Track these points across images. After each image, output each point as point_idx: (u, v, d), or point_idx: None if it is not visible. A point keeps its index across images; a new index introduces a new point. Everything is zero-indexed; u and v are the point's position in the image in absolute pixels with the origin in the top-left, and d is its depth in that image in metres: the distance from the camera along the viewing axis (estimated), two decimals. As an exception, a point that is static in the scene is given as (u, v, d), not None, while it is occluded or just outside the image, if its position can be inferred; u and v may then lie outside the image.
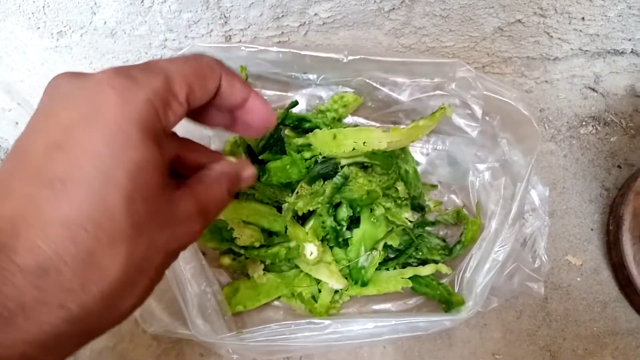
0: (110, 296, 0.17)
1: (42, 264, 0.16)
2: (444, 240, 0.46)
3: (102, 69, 0.19)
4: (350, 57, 0.40)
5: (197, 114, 0.24)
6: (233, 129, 0.25)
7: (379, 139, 0.41)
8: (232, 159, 0.24)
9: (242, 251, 0.43)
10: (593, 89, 0.49)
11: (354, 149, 0.41)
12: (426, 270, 0.43)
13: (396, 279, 0.43)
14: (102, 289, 0.17)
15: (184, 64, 0.21)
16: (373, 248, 0.43)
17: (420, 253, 0.44)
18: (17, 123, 0.54)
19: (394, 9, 0.40)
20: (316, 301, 0.44)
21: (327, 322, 0.39)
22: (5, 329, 0.16)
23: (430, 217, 0.47)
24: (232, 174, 0.24)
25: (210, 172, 0.23)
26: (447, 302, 0.42)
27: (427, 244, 0.45)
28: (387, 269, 0.44)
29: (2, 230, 0.16)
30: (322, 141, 0.42)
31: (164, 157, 0.19)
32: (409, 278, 0.43)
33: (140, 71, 0.19)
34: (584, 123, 0.49)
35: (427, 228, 0.46)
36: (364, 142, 0.41)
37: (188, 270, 0.38)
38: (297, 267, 0.44)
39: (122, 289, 0.18)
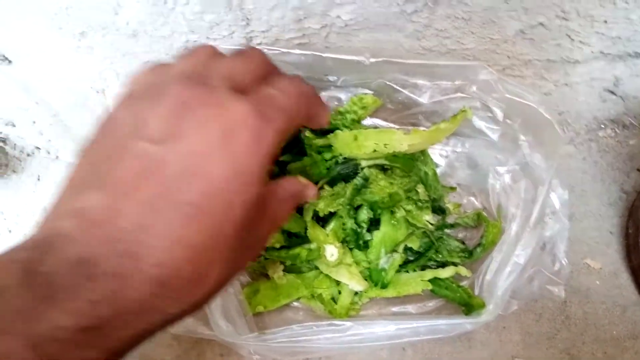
0: (202, 302, 0.20)
1: (163, 278, 0.18)
2: (463, 243, 0.46)
3: (236, 98, 0.21)
4: (373, 60, 0.40)
5: None
6: None
7: (400, 140, 0.41)
8: (302, 179, 0.28)
9: (262, 252, 0.43)
10: (612, 92, 0.49)
11: (374, 150, 0.41)
12: (446, 273, 0.43)
13: (416, 281, 0.43)
14: (197, 299, 0.20)
15: (300, 104, 0.24)
16: (393, 250, 0.43)
17: (440, 255, 0.44)
18: (34, 122, 0.54)
19: (416, 11, 0.40)
20: (336, 302, 0.44)
21: (348, 323, 0.39)
22: (121, 327, 0.18)
23: (449, 220, 0.47)
24: (300, 193, 0.27)
25: (284, 190, 0.25)
26: (467, 305, 0.42)
27: (446, 247, 0.45)
28: (407, 271, 0.44)
29: (129, 234, 0.18)
30: (343, 142, 0.42)
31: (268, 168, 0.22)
32: (429, 280, 0.43)
33: (269, 109, 0.22)
34: (602, 126, 0.49)
35: (447, 230, 0.46)
36: (385, 144, 0.41)
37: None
38: (317, 268, 0.44)
39: (210, 295, 0.21)
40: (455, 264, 0.44)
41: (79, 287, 0.17)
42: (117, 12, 0.41)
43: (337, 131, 0.43)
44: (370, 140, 0.41)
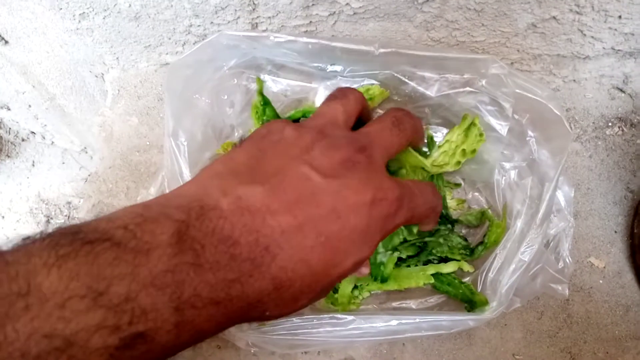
0: (281, 315, 0.23)
1: (282, 282, 0.21)
2: (465, 240, 0.45)
3: (389, 180, 0.26)
4: (382, 50, 0.39)
5: None
6: None
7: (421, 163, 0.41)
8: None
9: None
10: (621, 90, 0.48)
11: None
12: (448, 268, 0.42)
13: (418, 274, 0.42)
14: (284, 313, 0.23)
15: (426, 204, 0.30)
16: (394, 249, 0.42)
17: (441, 251, 0.44)
18: (29, 106, 0.53)
19: (427, 1, 0.39)
20: (336, 292, 0.43)
21: (349, 317, 0.39)
22: (235, 310, 0.20)
23: (453, 215, 0.46)
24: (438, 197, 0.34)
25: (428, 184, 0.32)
26: (470, 302, 0.41)
27: (448, 243, 0.44)
28: (408, 266, 0.43)
29: (275, 235, 0.21)
30: None
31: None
32: (431, 275, 0.42)
33: (407, 202, 0.27)
34: (610, 124, 0.49)
35: (449, 226, 0.45)
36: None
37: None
38: None
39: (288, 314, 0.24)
40: (457, 260, 0.43)
41: (222, 263, 0.19)
42: (119, -6, 0.40)
43: None
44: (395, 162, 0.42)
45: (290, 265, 0.21)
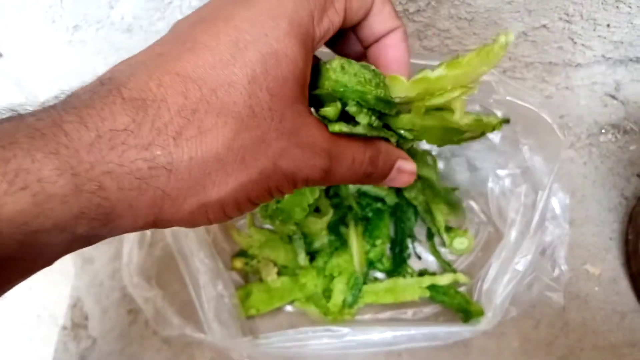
0: (202, 165, 0.17)
1: (143, 100, 0.16)
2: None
3: None
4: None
5: (334, 38, 0.22)
6: None
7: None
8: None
9: (255, 252, 0.43)
10: (613, 97, 0.48)
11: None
12: (444, 280, 0.42)
13: (413, 287, 0.42)
14: (194, 150, 0.17)
15: None
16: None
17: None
18: (25, 118, 0.53)
19: (419, 10, 0.39)
20: (328, 301, 0.43)
21: (344, 329, 0.38)
22: (88, 148, 0.16)
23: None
24: (390, 155, 0.22)
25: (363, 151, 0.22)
26: (466, 312, 0.41)
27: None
28: (404, 277, 0.43)
29: (119, 70, 0.17)
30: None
31: (306, 68, 0.19)
32: (427, 287, 0.42)
33: None
34: (603, 131, 0.49)
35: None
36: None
37: (205, 273, 0.38)
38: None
39: (216, 167, 0.17)
40: (454, 271, 0.43)
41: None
42: (112, 6, 0.40)
43: None
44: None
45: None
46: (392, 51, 0.22)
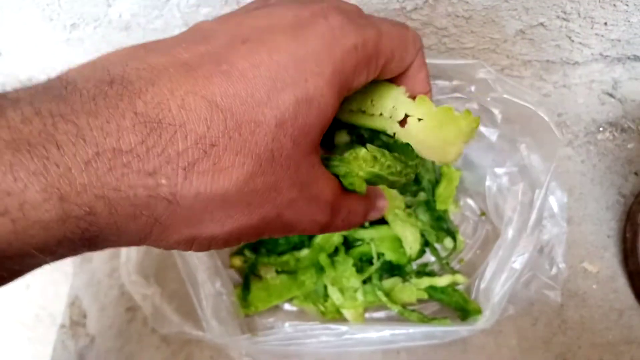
0: (206, 202, 0.16)
1: (159, 121, 0.14)
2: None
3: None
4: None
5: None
6: None
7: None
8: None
9: (252, 255, 0.43)
10: (611, 95, 0.48)
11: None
12: (443, 281, 0.42)
13: (411, 289, 0.42)
14: (203, 187, 0.15)
15: (393, 26, 0.19)
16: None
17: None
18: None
19: (416, 8, 0.39)
20: (326, 300, 0.43)
21: (343, 327, 0.38)
22: (82, 167, 0.13)
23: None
24: (372, 198, 0.23)
25: (357, 200, 0.22)
26: (463, 310, 0.41)
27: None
28: (403, 281, 0.43)
29: (136, 71, 0.15)
30: None
31: (332, 117, 0.18)
32: (425, 289, 0.42)
33: (358, 16, 0.18)
34: (601, 129, 0.49)
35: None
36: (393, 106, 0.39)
37: (203, 272, 0.38)
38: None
39: (220, 206, 0.16)
40: (452, 273, 0.43)
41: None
42: (110, 4, 0.40)
43: None
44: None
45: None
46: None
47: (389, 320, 0.42)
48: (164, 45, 0.16)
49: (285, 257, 0.41)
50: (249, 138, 0.15)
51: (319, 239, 0.41)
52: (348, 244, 0.43)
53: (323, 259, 0.41)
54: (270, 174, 0.16)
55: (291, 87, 0.16)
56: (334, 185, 0.20)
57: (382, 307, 0.44)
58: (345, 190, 0.21)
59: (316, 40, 0.17)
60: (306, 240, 0.42)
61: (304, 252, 0.42)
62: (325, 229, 0.20)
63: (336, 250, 0.42)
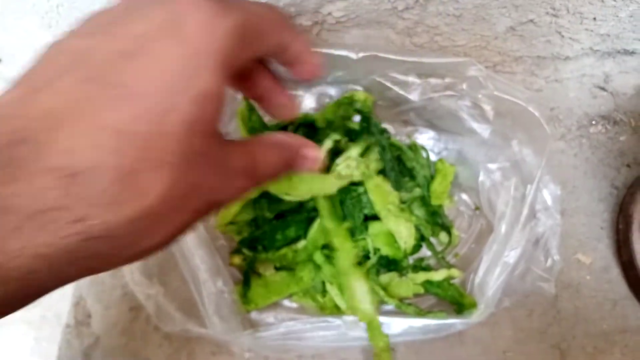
0: (138, 224, 0.16)
1: (75, 168, 0.14)
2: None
3: None
4: (362, 54, 0.40)
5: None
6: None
7: (333, 185, 0.40)
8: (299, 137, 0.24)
9: (250, 253, 0.44)
10: (603, 89, 0.49)
11: (310, 195, 0.41)
12: (439, 276, 0.43)
13: (407, 284, 0.43)
14: (131, 212, 0.15)
15: (262, 6, 0.20)
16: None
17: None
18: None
19: (407, 8, 0.40)
20: (324, 296, 0.44)
21: (342, 322, 0.39)
22: (12, 234, 0.14)
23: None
24: (294, 146, 0.23)
25: (271, 137, 0.22)
26: (459, 304, 0.42)
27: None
28: (399, 276, 0.44)
29: (36, 121, 0.14)
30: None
31: (224, 99, 0.18)
32: (421, 283, 0.43)
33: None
34: (593, 122, 0.50)
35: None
36: (320, 188, 0.40)
37: (205, 271, 0.39)
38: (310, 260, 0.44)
39: (153, 220, 0.16)
40: (448, 267, 0.44)
41: None
42: (106, 10, 0.41)
43: None
44: (304, 184, 0.40)
45: (77, 141, 0.15)
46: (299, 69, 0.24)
47: (386, 313, 0.43)
48: (43, 80, 0.16)
49: (283, 251, 0.42)
50: (162, 152, 0.16)
51: (313, 232, 0.42)
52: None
53: (318, 256, 0.42)
54: (189, 175, 0.17)
55: (185, 89, 0.16)
56: (243, 149, 0.20)
57: (380, 301, 0.44)
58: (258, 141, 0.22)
59: (195, 33, 0.16)
60: (302, 234, 0.43)
61: (301, 244, 0.42)
62: (252, 187, 0.21)
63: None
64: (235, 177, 0.20)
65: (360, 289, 0.40)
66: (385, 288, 0.43)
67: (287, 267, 0.44)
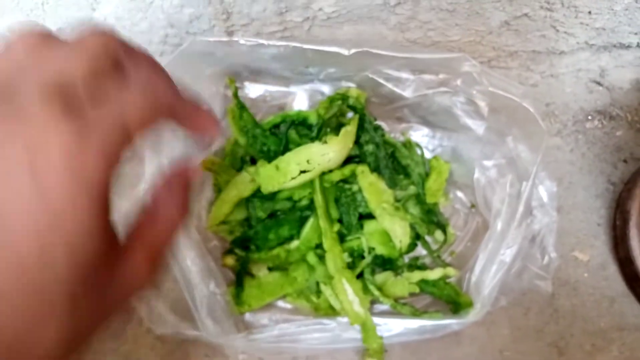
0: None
1: None
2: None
3: (40, 84, 0.14)
4: (353, 50, 0.39)
5: None
6: None
7: (320, 152, 0.39)
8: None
9: (243, 252, 0.43)
10: (598, 83, 0.49)
11: (301, 172, 0.39)
12: (434, 275, 0.42)
13: (403, 284, 0.42)
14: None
15: (141, 96, 0.17)
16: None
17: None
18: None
19: (399, 3, 0.39)
20: (319, 297, 0.43)
21: (336, 323, 0.39)
22: None
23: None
24: (183, 197, 0.20)
25: (159, 209, 0.19)
26: (455, 304, 0.41)
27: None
28: (395, 275, 0.43)
29: None
30: (267, 177, 0.40)
31: (109, 215, 0.16)
32: (417, 282, 0.42)
33: (92, 107, 0.15)
34: (589, 117, 0.49)
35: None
36: (308, 160, 0.39)
37: (197, 273, 0.38)
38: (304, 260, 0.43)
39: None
40: (444, 266, 0.43)
41: None
42: (94, 8, 0.40)
43: (259, 168, 0.41)
44: (291, 163, 0.39)
45: None
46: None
47: (382, 314, 0.42)
48: None
49: (276, 251, 0.42)
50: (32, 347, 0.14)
51: (306, 232, 0.41)
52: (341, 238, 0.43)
53: (311, 257, 0.41)
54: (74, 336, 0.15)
55: (55, 247, 0.14)
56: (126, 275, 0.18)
57: (375, 301, 0.44)
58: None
59: (56, 176, 0.14)
60: (295, 233, 0.42)
61: (294, 244, 0.42)
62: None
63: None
64: (137, 276, 0.18)
65: (350, 291, 0.39)
66: (380, 288, 0.42)
67: (280, 268, 0.44)
